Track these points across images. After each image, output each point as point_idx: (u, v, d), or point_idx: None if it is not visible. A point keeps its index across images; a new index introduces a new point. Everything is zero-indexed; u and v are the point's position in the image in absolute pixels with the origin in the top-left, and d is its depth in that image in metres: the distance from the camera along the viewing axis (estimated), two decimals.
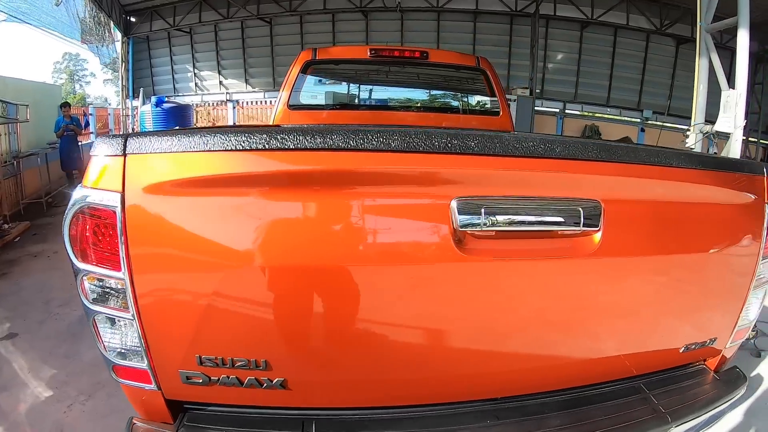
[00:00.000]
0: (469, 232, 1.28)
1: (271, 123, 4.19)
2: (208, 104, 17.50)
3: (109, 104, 19.21)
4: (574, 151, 1.37)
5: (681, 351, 1.76)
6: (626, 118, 14.48)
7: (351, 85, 4.67)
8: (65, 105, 10.09)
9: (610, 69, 14.17)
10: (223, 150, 1.18)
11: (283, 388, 1.32)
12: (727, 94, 4.67)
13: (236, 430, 1.34)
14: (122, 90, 17.07)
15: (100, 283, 1.25)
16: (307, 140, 1.18)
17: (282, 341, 1.34)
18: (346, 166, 1.24)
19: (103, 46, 15.15)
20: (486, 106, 4.32)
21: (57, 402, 2.65)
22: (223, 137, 1.18)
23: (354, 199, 1.26)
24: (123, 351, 1.31)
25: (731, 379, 1.87)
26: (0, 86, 9.27)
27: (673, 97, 13.86)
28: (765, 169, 1.74)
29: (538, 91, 14.10)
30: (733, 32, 12.19)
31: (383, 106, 4.54)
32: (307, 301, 1.31)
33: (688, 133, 5.26)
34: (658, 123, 13.75)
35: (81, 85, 39.22)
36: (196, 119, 16.45)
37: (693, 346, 1.79)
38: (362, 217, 1.29)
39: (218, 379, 1.30)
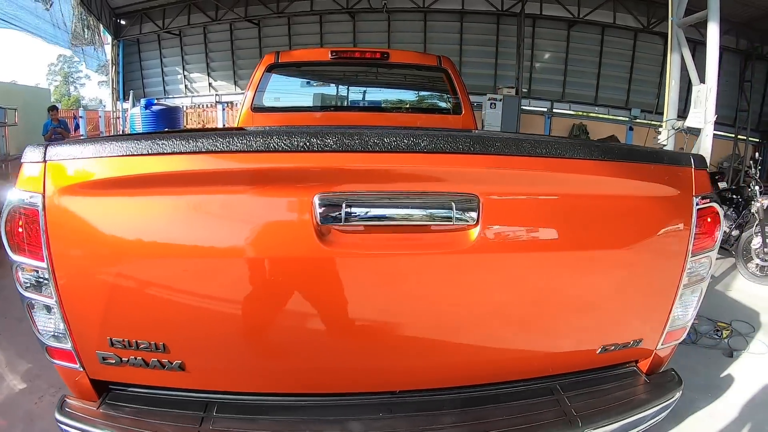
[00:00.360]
0: (334, 227, 1.35)
1: (236, 125, 4.22)
2: (199, 106, 17.50)
3: (104, 106, 19.27)
4: (443, 145, 1.37)
5: (598, 352, 1.71)
6: (615, 117, 14.43)
7: (313, 87, 4.67)
8: (53, 108, 10.26)
9: (598, 68, 14.09)
10: (120, 155, 1.32)
11: (182, 370, 1.45)
12: (697, 89, 4.59)
13: (148, 409, 1.48)
14: (113, 92, 17.12)
15: (29, 273, 1.41)
16: (182, 144, 1.31)
17: (176, 327, 1.44)
18: (219, 167, 1.36)
19: (94, 50, 15.16)
20: (448, 105, 4.33)
21: (29, 394, 2.78)
22: (118, 144, 1.33)
23: (227, 196, 1.37)
24: (52, 334, 1.46)
25: (663, 382, 1.82)
26: None
27: (662, 96, 13.77)
28: (692, 160, 1.67)
29: (525, 90, 14.01)
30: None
31: (345, 107, 4.57)
32: (195, 290, 1.42)
33: (660, 129, 5.14)
34: (646, 121, 13.68)
35: (76, 87, 39.23)
36: (186, 121, 16.45)
37: (612, 347, 1.73)
38: (235, 213, 1.39)
39: (128, 360, 1.43)
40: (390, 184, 1.40)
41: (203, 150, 1.31)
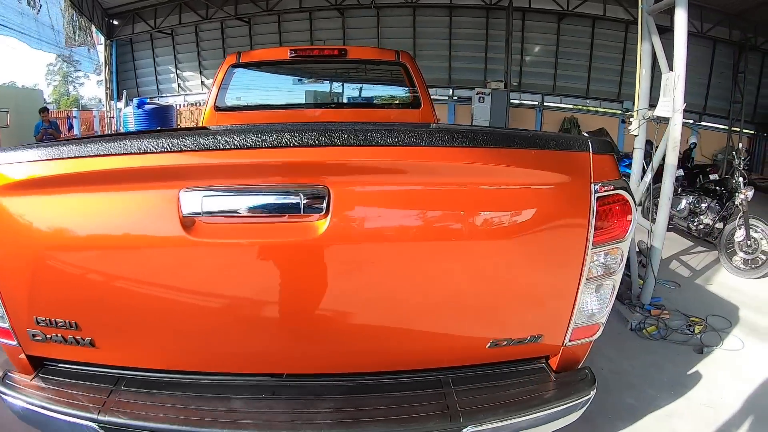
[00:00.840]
0: (198, 218, 1.44)
1: (201, 124, 4.39)
2: (192, 105, 17.56)
3: (102, 105, 19.49)
4: (289, 140, 1.39)
5: (487, 346, 1.67)
6: (606, 110, 14.32)
7: (274, 86, 4.75)
8: (44, 110, 10.58)
9: (589, 60, 13.96)
10: (29, 161, 1.47)
11: (93, 347, 1.60)
12: (666, 77, 4.42)
13: (69, 382, 1.65)
14: (106, 92, 17.21)
15: None
16: (75, 149, 1.45)
17: (82, 307, 1.58)
18: (104, 168, 1.44)
19: (87, 50, 15.29)
20: (406, 99, 4.35)
21: None
22: (26, 152, 1.49)
23: (115, 193, 1.48)
24: None
25: (572, 381, 1.73)
26: None
27: (654, 88, 13.66)
28: (591, 144, 1.56)
29: (515, 84, 13.97)
30: (710, 19, 12.21)
31: (304, 104, 4.62)
32: (95, 275, 1.57)
33: (631, 119, 5.07)
34: None
35: (75, 86, 39.39)
36: (179, 120, 16.51)
37: (504, 342, 1.68)
38: (120, 208, 1.51)
39: (51, 337, 1.60)
40: (247, 179, 1.46)
41: (92, 154, 1.44)
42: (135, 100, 15.30)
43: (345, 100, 4.67)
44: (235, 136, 1.40)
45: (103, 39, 16.52)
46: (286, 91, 4.75)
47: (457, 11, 13.94)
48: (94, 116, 18.87)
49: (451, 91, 15.05)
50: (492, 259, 1.61)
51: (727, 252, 5.18)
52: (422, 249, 1.53)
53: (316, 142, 1.40)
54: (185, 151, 1.42)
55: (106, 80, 17.26)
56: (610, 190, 1.56)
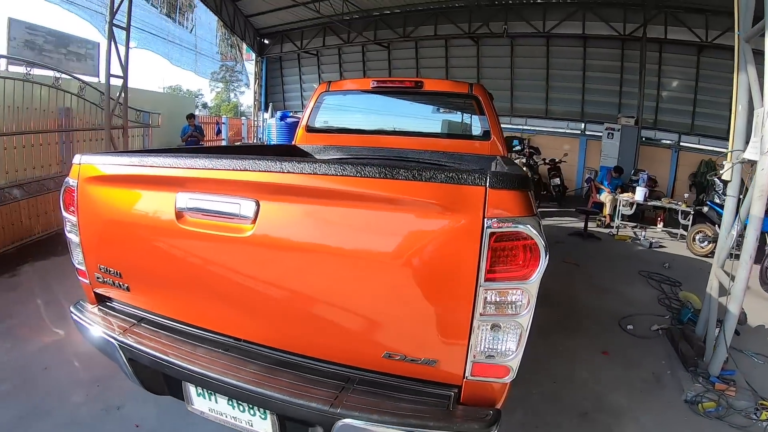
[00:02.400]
0: (184, 212, 2.04)
1: (294, 142, 5.01)
2: None
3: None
4: (237, 165, 1.93)
5: (382, 356, 1.83)
6: None
7: (356, 112, 5.12)
8: (191, 116, 11.90)
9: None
10: (106, 164, 2.28)
11: (128, 291, 2.32)
12: (757, 113, 3.64)
13: (112, 313, 2.41)
14: (255, 103, 19.13)
15: (68, 220, 2.37)
16: (132, 159, 2.26)
17: (124, 262, 2.30)
18: (137, 173, 2.19)
19: (236, 64, 17.13)
20: (476, 131, 4.53)
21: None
22: (106, 157, 2.31)
23: (140, 191, 2.22)
24: (78, 260, 2.42)
25: (464, 416, 1.73)
26: (138, 97, 11.20)
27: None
28: (488, 179, 1.59)
29: (650, 121, 13.16)
30: None
31: (380, 131, 4.94)
32: (131, 242, 2.26)
33: (724, 162, 4.33)
34: None
35: (235, 94, 43.51)
36: None
37: (398, 357, 1.81)
38: (143, 201, 2.20)
39: (106, 280, 2.34)
40: (213, 189, 1.99)
41: (130, 164, 2.22)
42: (279, 113, 16.79)
43: (418, 129, 4.81)
44: (205, 160, 1.99)
45: (254, 56, 18.52)
46: (366, 117, 5.10)
47: (590, 42, 13.43)
48: (243, 123, 20.94)
49: (583, 125, 14.45)
50: (381, 278, 1.76)
51: None
52: (321, 260, 1.82)
53: (254, 168, 1.89)
54: (180, 167, 2.06)
55: (255, 92, 19.25)
56: (507, 227, 1.55)
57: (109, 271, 2.32)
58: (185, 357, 2.05)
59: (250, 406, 2.00)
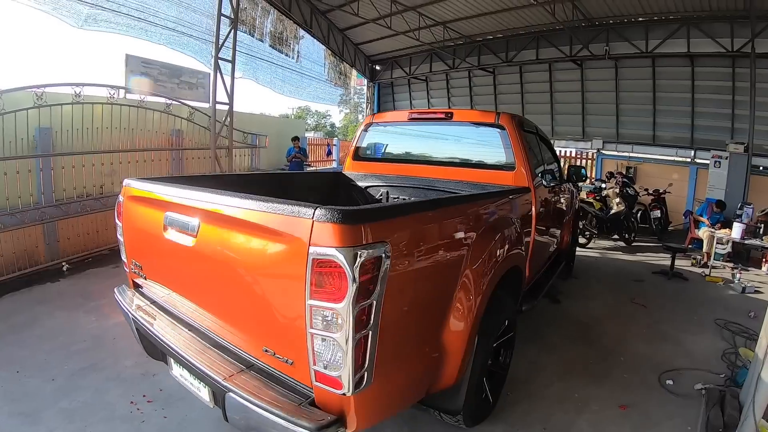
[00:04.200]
0: (168, 225, 2.67)
1: (344, 169, 5.55)
2: None
3: None
4: (191, 195, 2.56)
5: (263, 350, 2.20)
6: None
7: (397, 142, 5.40)
8: (295, 138, 13.12)
9: None
10: (134, 187, 3.14)
11: (145, 279, 3.12)
12: None
13: (137, 296, 3.23)
14: None
15: (118, 226, 3.30)
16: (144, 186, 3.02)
17: (141, 256, 3.12)
18: (148, 197, 2.93)
19: (344, 90, 18.36)
20: (501, 161, 4.45)
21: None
22: (134, 182, 3.15)
23: (149, 208, 2.92)
24: (123, 255, 3.29)
25: (309, 415, 1.94)
26: (247, 120, 12.57)
27: None
28: (315, 212, 1.83)
29: (767, 147, 11.51)
30: None
31: (414, 160, 5.14)
32: (145, 242, 3.06)
33: None
34: None
35: (363, 116, 46.13)
36: None
37: (272, 352, 2.15)
38: (150, 217, 2.88)
39: (135, 271, 3.18)
40: (181, 211, 2.59)
41: (147, 190, 2.95)
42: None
43: (448, 159, 4.94)
44: (179, 190, 2.64)
45: (365, 81, 19.64)
46: (404, 147, 5.33)
47: (698, 61, 12.24)
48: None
49: (693, 152, 13.23)
50: (251, 286, 2.19)
51: None
52: (224, 269, 2.34)
53: (196, 198, 2.50)
54: (166, 195, 2.72)
55: (367, 115, 20.41)
56: (323, 255, 1.78)
57: (136, 263, 3.14)
58: (164, 333, 2.68)
59: (194, 376, 2.53)
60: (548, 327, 5.42)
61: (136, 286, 3.29)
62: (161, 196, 2.75)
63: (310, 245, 1.82)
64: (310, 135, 18.81)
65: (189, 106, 9.87)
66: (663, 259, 9.05)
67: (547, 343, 4.96)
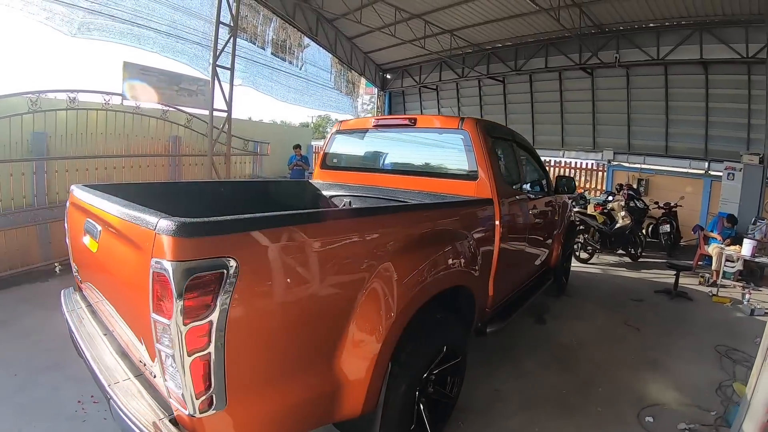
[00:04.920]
0: (86, 231, 2.67)
1: (312, 177, 5.44)
2: None
3: None
4: (96, 203, 2.57)
5: (139, 360, 2.28)
6: None
7: (360, 149, 5.18)
8: (297, 146, 13.12)
9: None
10: None
11: (81, 282, 3.16)
12: None
13: (75, 297, 3.27)
14: None
15: (66, 230, 3.30)
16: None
17: (76, 262, 3.22)
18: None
19: (351, 99, 18.35)
20: (464, 170, 4.11)
21: None
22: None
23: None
24: (70, 258, 3.30)
25: (157, 425, 1.91)
26: (249, 128, 12.63)
27: None
28: (157, 225, 1.77)
29: None
30: None
31: (377, 168, 4.90)
32: (77, 247, 3.06)
33: None
34: None
35: None
36: None
37: (142, 363, 2.23)
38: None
39: (73, 272, 3.27)
40: (92, 218, 2.60)
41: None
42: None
43: (411, 168, 4.66)
44: (95, 199, 2.57)
45: (376, 90, 19.69)
46: (364, 155, 5.12)
47: (712, 68, 11.80)
48: None
49: (707, 164, 12.76)
50: (127, 295, 2.28)
51: None
52: (110, 274, 2.48)
53: (97, 205, 2.50)
54: (85, 202, 2.75)
55: None
56: (158, 268, 1.72)
57: (75, 267, 3.20)
58: (81, 336, 2.71)
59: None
60: (525, 350, 4.99)
61: (80, 289, 3.30)
62: (83, 203, 2.76)
63: (152, 256, 1.77)
64: (319, 143, 18.76)
65: (186, 112, 9.89)
66: (669, 277, 8.26)
67: (519, 369, 4.55)
